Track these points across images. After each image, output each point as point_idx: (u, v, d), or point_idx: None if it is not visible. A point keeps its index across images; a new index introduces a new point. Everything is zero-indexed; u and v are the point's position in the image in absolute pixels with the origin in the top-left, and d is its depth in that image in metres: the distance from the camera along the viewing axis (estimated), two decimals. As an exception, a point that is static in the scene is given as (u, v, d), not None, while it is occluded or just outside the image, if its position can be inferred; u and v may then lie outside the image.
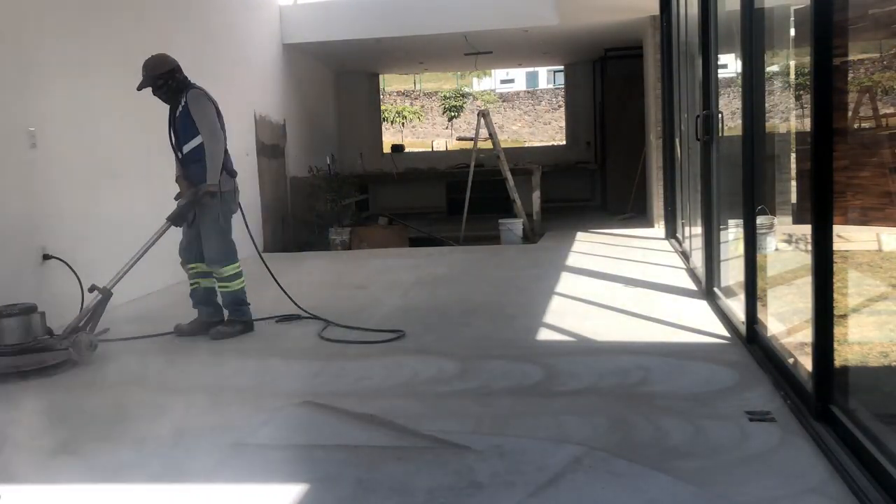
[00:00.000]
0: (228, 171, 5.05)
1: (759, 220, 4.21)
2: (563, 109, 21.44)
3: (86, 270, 5.64)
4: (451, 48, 12.35)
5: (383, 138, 16.87)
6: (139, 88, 4.96)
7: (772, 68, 4.81)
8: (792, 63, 5.24)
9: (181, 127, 4.95)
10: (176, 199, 5.05)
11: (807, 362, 3.17)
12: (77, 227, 5.87)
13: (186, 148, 4.97)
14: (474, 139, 11.10)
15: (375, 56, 13.14)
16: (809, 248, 2.86)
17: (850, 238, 5.40)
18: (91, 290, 4.64)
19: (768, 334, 4.00)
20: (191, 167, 4.98)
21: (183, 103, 4.91)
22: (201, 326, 5.08)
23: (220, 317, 5.16)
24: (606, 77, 13.03)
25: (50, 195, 5.59)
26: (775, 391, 3.39)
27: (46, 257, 5.37)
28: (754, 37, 4.08)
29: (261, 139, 9.85)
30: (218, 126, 4.94)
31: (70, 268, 5.46)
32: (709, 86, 5.23)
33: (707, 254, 5.44)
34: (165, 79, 4.89)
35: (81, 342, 4.36)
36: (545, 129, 34.97)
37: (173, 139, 5.04)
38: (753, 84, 4.05)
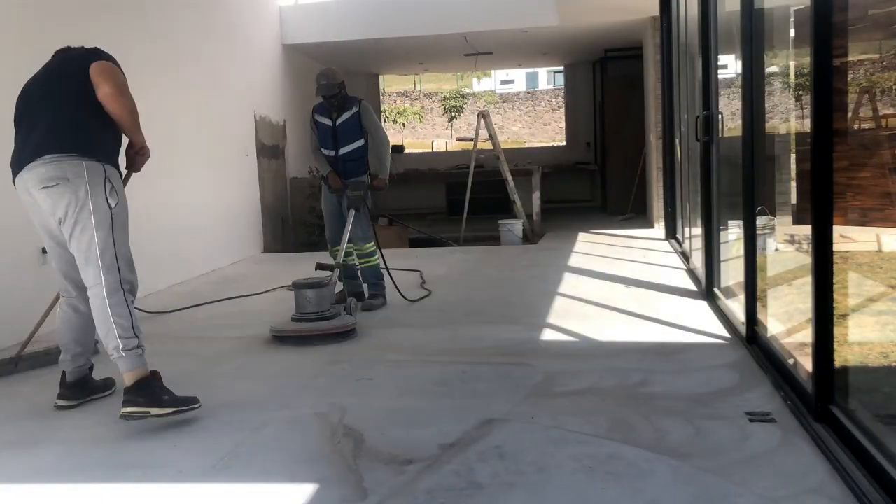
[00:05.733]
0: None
1: (759, 220, 4.21)
2: (563, 110, 21.46)
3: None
4: (451, 49, 12.35)
5: (383, 139, 16.87)
6: (327, 95, 5.59)
7: (772, 69, 4.81)
8: (792, 63, 5.23)
9: (346, 131, 5.69)
10: (334, 191, 5.78)
11: (807, 363, 3.17)
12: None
13: (348, 149, 5.72)
14: (474, 140, 11.11)
15: (375, 56, 13.15)
16: (809, 248, 2.86)
17: (851, 238, 5.40)
18: (320, 268, 5.28)
19: (768, 335, 4.00)
20: (349, 164, 5.73)
21: (354, 111, 5.66)
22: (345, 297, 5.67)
23: (361, 288, 5.86)
24: (606, 77, 13.04)
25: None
26: (775, 392, 3.39)
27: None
28: (754, 37, 4.08)
29: (261, 139, 9.85)
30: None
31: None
32: (709, 86, 5.23)
33: (707, 254, 5.44)
34: (341, 88, 5.63)
35: (352, 306, 5.21)
36: (545, 130, 35.01)
37: (329, 142, 5.75)
38: (753, 85, 4.05)
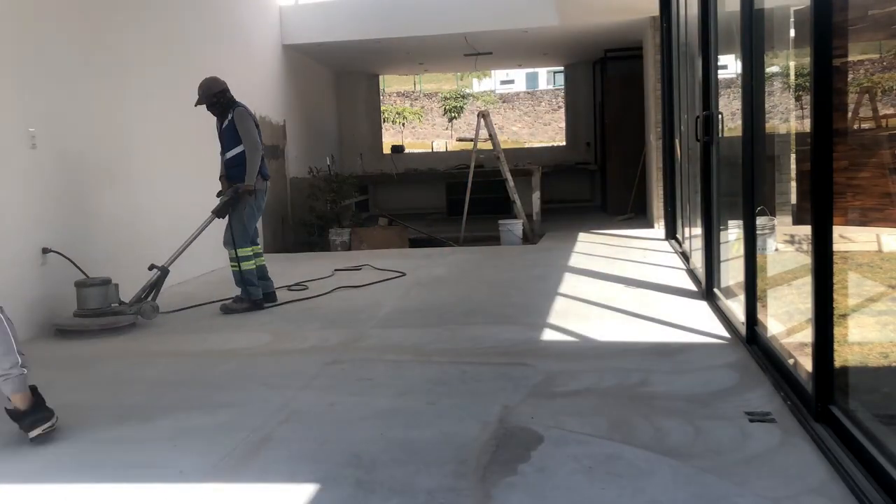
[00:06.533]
0: (263, 174, 6.01)
1: (759, 220, 4.21)
2: (562, 110, 21.44)
3: (86, 268, 5.64)
4: (451, 49, 12.35)
5: (383, 139, 16.87)
6: (196, 105, 5.93)
7: (772, 69, 4.81)
8: (792, 64, 5.23)
9: (227, 137, 5.92)
10: (218, 195, 6.07)
11: (807, 363, 3.17)
12: (77, 226, 5.87)
13: (229, 154, 5.94)
14: (474, 140, 11.10)
15: (375, 56, 13.14)
16: (809, 248, 2.85)
17: (851, 238, 5.40)
18: (151, 268, 5.61)
19: (768, 335, 4.00)
20: (231, 170, 5.95)
21: (230, 118, 5.87)
22: (264, 298, 6.03)
23: (272, 289, 6.15)
24: (606, 78, 13.03)
25: (50, 195, 5.59)
26: (775, 392, 3.39)
27: (45, 251, 5.45)
28: (754, 37, 4.08)
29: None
30: (258, 139, 5.92)
31: (69, 260, 5.51)
32: (709, 86, 5.23)
33: (707, 254, 5.44)
34: (219, 97, 5.89)
35: (146, 308, 5.45)
36: (545, 130, 34.99)
37: (220, 146, 6.04)
38: (753, 85, 4.05)
